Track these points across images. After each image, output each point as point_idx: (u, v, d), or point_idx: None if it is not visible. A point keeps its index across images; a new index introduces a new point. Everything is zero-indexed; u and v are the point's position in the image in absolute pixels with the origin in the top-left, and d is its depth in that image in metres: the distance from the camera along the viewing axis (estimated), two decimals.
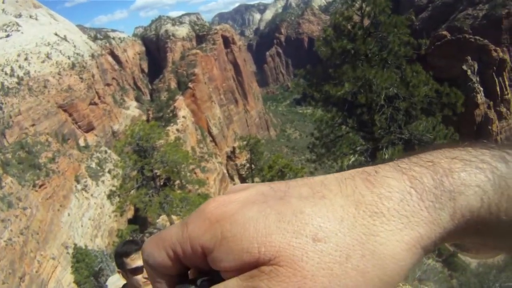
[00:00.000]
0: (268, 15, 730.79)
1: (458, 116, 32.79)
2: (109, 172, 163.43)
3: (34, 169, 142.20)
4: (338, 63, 35.28)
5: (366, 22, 34.54)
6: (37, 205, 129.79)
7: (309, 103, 40.89)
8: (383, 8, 32.91)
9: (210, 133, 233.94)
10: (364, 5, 33.68)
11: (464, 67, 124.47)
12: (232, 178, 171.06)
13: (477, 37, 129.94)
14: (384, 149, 34.16)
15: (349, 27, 34.65)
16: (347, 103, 35.69)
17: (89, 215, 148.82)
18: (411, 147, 33.21)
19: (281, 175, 56.33)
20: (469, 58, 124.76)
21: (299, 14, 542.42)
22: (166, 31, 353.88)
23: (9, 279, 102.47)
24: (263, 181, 67.06)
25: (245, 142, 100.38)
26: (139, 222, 77.92)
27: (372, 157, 35.72)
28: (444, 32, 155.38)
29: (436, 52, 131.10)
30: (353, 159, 37.76)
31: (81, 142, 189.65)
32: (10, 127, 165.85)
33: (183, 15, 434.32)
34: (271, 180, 58.20)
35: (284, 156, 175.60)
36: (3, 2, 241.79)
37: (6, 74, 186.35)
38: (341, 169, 39.79)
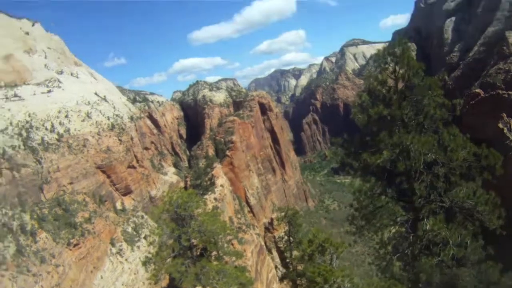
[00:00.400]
0: (303, 80, 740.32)
1: (497, 178, 31.05)
2: (145, 238, 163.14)
3: (70, 227, 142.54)
4: (375, 130, 34.64)
5: (400, 84, 34.20)
6: (70, 264, 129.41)
7: (347, 173, 40.05)
8: (416, 70, 32.95)
9: (248, 203, 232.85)
10: (397, 68, 33.46)
11: (500, 125, 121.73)
12: (270, 251, 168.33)
13: (510, 92, 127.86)
14: (425, 220, 33.06)
15: (384, 91, 34.86)
16: (386, 172, 34.13)
17: (122, 280, 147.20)
18: (452, 215, 32.43)
19: (322, 250, 55.41)
20: (504, 115, 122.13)
21: (333, 79, 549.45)
22: (204, 96, 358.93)
23: None
24: (303, 256, 66.09)
25: (283, 214, 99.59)
26: None
27: (413, 228, 34.76)
28: (478, 90, 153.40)
29: (470, 112, 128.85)
30: (393, 230, 37.18)
31: (118, 205, 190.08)
32: (48, 182, 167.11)
33: (220, 80, 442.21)
34: (311, 255, 57.43)
35: (323, 229, 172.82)
36: (45, 57, 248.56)
37: (46, 129, 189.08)
38: (381, 241, 38.96)
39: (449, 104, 33.42)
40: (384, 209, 36.07)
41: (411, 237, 35.19)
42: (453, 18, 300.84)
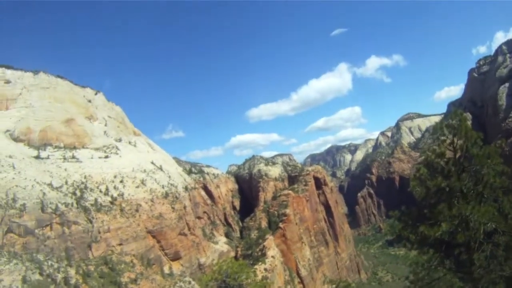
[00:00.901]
0: (359, 155, 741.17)
1: None
2: None
3: (115, 286, 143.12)
4: (433, 202, 33.92)
5: (458, 155, 33.40)
6: None
7: (404, 245, 38.98)
8: (475, 140, 32.26)
9: (298, 275, 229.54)
10: (455, 139, 33.00)
11: None
12: None
13: None
14: None
15: (442, 163, 34.09)
16: (444, 244, 33.18)
17: None
18: None
19: None
20: None
21: (389, 153, 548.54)
22: (259, 170, 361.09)
23: None
24: None
25: (334, 286, 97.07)
26: None
27: None
28: None
29: None
30: None
31: (166, 269, 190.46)
32: (98, 242, 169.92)
33: (276, 155, 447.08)
34: None
35: None
36: (105, 125, 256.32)
37: (101, 191, 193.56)
38: None
39: (508, 171, 32.36)
40: (441, 281, 34.91)
41: None
42: (507, 84, 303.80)
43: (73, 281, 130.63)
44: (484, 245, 30.76)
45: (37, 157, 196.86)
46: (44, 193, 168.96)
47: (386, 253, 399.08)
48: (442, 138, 33.79)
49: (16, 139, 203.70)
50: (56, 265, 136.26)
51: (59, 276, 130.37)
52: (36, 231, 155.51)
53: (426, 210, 34.15)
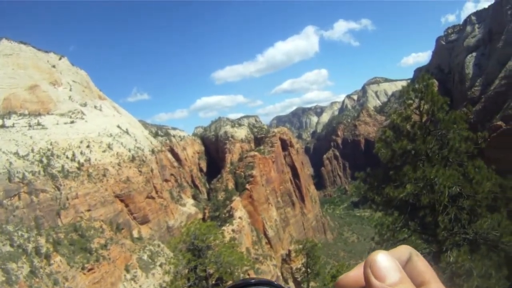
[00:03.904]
0: (325, 117, 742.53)
1: None
2: (161, 266, 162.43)
3: (85, 252, 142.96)
4: (398, 165, 34.42)
5: (424, 119, 33.95)
6: None
7: (369, 207, 39.35)
8: (441, 105, 32.63)
9: (266, 235, 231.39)
10: (422, 103, 33.44)
11: None
12: (286, 282, 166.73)
13: None
14: (449, 252, 32.20)
15: (408, 126, 34.50)
16: (409, 205, 33.74)
17: None
18: (476, 247, 31.90)
19: None
20: None
21: (355, 116, 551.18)
22: (226, 132, 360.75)
23: None
24: None
25: (301, 246, 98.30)
26: None
27: (436, 260, 33.90)
28: (499, 123, 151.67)
29: (493, 144, 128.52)
30: None
31: (135, 233, 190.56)
32: (66, 208, 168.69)
33: (242, 117, 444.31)
34: None
35: (341, 260, 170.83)
36: (70, 90, 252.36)
37: (67, 158, 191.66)
38: None
39: (473, 137, 33.12)
40: (406, 242, 34.54)
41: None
42: (474, 54, 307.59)
43: (43, 250, 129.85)
44: (449, 208, 31.62)
45: (2, 126, 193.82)
46: (10, 163, 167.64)
47: (351, 214, 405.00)
48: (409, 101, 34.17)
49: None
50: (26, 235, 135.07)
51: (30, 246, 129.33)
52: (4, 201, 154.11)
53: (391, 172, 34.71)
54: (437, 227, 32.81)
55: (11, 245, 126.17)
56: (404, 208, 34.56)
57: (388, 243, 35.26)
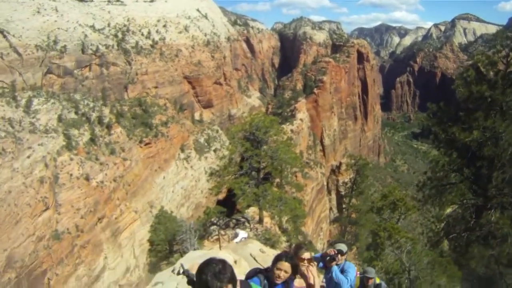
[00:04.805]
0: (407, 40, 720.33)
1: None
2: (215, 151, 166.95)
3: (145, 127, 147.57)
4: (471, 108, 33.25)
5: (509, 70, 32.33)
6: (138, 160, 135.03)
7: (432, 141, 39.26)
8: None
9: (321, 142, 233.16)
10: (511, 54, 31.67)
11: None
12: (329, 193, 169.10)
13: None
14: (493, 210, 32.06)
15: (492, 73, 33.17)
16: (470, 151, 32.79)
17: (183, 184, 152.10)
18: None
19: (393, 208, 54.87)
20: None
21: (437, 47, 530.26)
22: (305, 32, 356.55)
23: (88, 216, 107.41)
24: (371, 208, 66.27)
25: (353, 161, 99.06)
26: (228, 205, 78.69)
27: (477, 214, 33.90)
28: None
29: None
30: (458, 211, 36.76)
31: (197, 116, 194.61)
32: (134, 83, 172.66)
33: (323, 21, 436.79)
34: (381, 208, 57.18)
35: (387, 186, 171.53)
36: None
37: (142, 35, 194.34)
38: (438, 216, 38.41)
39: None
40: (455, 186, 35.23)
41: (471, 223, 34.61)
42: None
43: (106, 120, 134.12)
44: (506, 167, 30.88)
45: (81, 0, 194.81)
46: (85, 35, 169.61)
47: (408, 144, 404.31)
48: (498, 47, 32.92)
49: None
50: (91, 105, 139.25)
51: (94, 115, 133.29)
52: (75, 71, 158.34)
53: (462, 113, 33.80)
54: (489, 182, 32.59)
55: (76, 113, 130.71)
56: (464, 152, 33.73)
57: (438, 182, 35.59)
